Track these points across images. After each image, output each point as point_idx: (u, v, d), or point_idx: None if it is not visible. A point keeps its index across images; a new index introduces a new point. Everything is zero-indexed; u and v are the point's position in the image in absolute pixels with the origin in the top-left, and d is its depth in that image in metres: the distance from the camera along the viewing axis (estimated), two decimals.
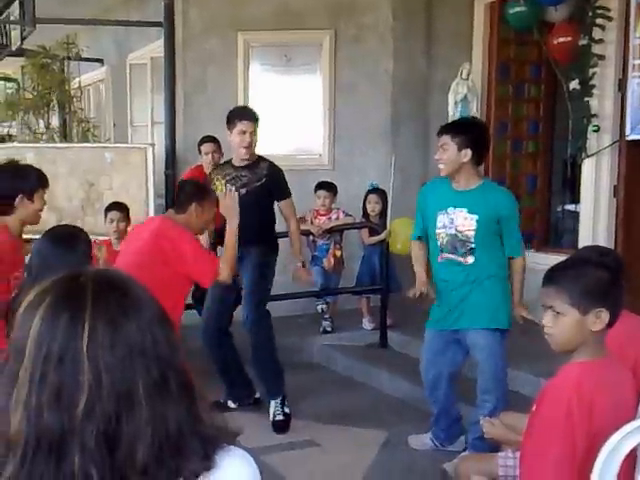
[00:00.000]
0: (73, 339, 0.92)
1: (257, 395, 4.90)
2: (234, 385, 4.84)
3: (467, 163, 3.79)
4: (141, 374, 0.94)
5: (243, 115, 4.61)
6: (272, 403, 4.60)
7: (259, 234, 4.57)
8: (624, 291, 2.19)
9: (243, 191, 4.52)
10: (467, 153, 3.78)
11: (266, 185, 4.61)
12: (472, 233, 3.77)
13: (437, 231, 3.86)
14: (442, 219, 3.84)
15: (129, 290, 1.00)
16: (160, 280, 3.13)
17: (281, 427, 4.53)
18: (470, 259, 3.81)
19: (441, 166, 3.86)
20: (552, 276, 2.19)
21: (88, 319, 0.93)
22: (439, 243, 3.88)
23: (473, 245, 3.78)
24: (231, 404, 4.84)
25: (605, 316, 2.10)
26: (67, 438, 0.89)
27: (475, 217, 3.76)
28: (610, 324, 2.13)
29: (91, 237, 6.25)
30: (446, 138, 3.82)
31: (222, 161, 5.83)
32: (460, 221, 3.79)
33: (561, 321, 2.13)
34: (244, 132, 4.55)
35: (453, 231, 3.81)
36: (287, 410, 4.58)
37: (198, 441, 0.98)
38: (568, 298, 2.11)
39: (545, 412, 2.09)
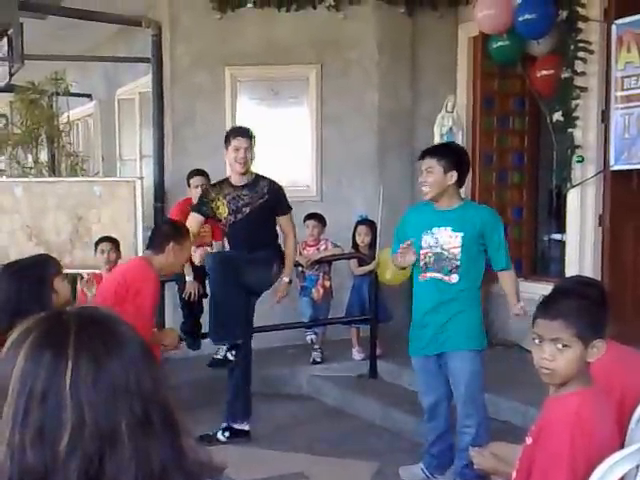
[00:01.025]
0: (56, 377, 0.92)
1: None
2: (236, 402, 4.86)
3: (451, 185, 3.88)
4: (124, 412, 0.94)
5: (237, 132, 4.76)
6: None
7: (266, 249, 4.70)
8: (609, 321, 2.22)
9: (247, 210, 4.68)
10: (453, 175, 3.86)
11: (269, 202, 4.72)
12: (458, 251, 3.82)
13: (422, 251, 3.90)
14: (427, 239, 3.90)
15: (112, 327, 1.00)
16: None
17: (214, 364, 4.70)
18: (454, 277, 3.85)
19: (425, 189, 3.91)
20: (553, 309, 2.16)
21: (71, 357, 0.93)
22: (424, 262, 3.91)
23: (458, 263, 3.83)
24: (221, 437, 4.80)
25: (602, 346, 2.12)
26: (50, 477, 0.89)
27: (460, 234, 3.82)
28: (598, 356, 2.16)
29: (80, 271, 6.31)
30: (432, 161, 3.89)
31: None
32: (445, 239, 3.85)
33: (565, 354, 2.11)
34: (238, 149, 4.66)
35: (439, 249, 3.86)
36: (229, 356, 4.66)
37: (182, 477, 0.98)
38: (575, 331, 2.10)
39: (549, 446, 2.08)
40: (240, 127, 4.94)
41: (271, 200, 4.73)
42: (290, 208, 4.86)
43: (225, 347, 4.64)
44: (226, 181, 4.86)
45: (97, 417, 0.92)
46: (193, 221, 4.86)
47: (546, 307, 2.18)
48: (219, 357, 4.69)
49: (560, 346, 2.10)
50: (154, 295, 4.01)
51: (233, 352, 4.59)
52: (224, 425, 4.84)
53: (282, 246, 4.94)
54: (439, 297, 3.89)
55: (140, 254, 6.37)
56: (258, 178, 4.78)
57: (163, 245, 3.99)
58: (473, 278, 3.88)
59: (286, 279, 4.87)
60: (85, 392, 0.92)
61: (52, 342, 0.95)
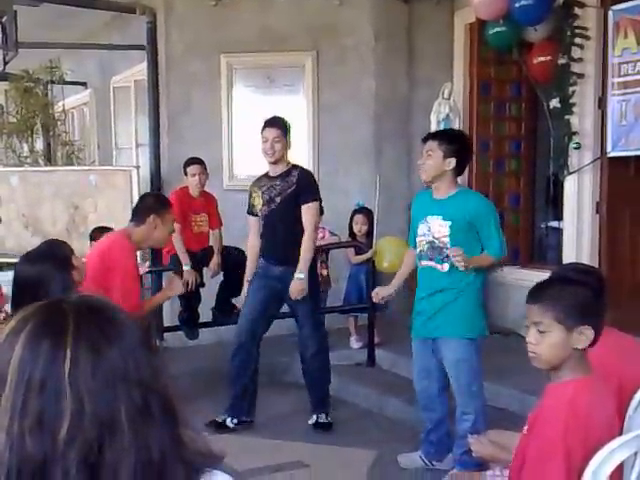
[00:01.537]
0: (55, 365, 0.92)
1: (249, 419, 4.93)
2: (242, 399, 4.85)
3: (449, 171, 3.88)
4: (123, 400, 0.94)
5: (266, 123, 4.72)
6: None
7: (294, 244, 4.62)
8: (606, 308, 2.21)
9: (278, 200, 4.66)
10: (451, 162, 3.87)
11: (296, 191, 4.65)
12: (447, 240, 3.84)
13: (418, 239, 3.97)
14: (422, 227, 3.94)
15: (111, 316, 1.00)
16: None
17: (323, 427, 4.81)
18: (446, 266, 3.87)
19: (422, 171, 3.93)
20: (537, 293, 2.21)
21: (70, 345, 0.93)
22: (419, 250, 3.98)
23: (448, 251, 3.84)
24: (229, 423, 4.83)
25: (589, 333, 2.12)
26: (49, 465, 0.89)
27: (448, 223, 3.84)
28: (593, 342, 2.15)
29: None
30: (433, 144, 3.90)
31: (207, 182, 5.88)
32: (436, 228, 3.88)
33: (546, 338, 2.14)
34: (266, 140, 4.65)
35: (430, 238, 3.90)
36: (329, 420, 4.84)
37: (181, 466, 0.98)
38: (553, 315, 2.13)
39: (543, 433, 2.09)
40: (272, 117, 4.79)
41: (299, 186, 4.64)
42: (315, 199, 4.67)
43: None
44: (265, 174, 4.83)
45: (96, 405, 0.91)
46: (251, 224, 4.90)
47: (530, 292, 2.23)
48: None
49: (541, 330, 2.14)
50: (133, 270, 3.93)
51: None
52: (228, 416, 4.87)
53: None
54: (432, 285, 3.93)
55: None
56: (292, 168, 4.72)
57: (144, 216, 3.96)
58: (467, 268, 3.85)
59: (300, 275, 4.62)
60: (84, 380, 0.92)
61: (50, 331, 0.94)
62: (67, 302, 0.99)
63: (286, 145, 4.71)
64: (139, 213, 4.04)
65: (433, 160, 3.86)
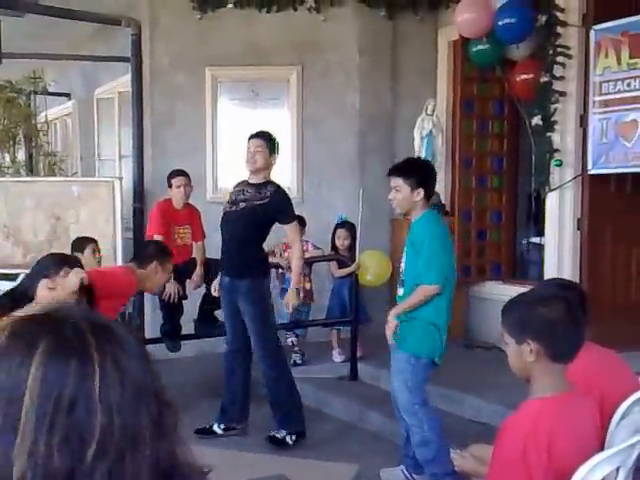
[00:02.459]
0: (86, 383, 0.90)
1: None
2: (233, 406, 4.92)
3: (419, 201, 3.95)
4: (145, 412, 0.94)
5: (252, 135, 4.80)
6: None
7: (246, 254, 4.69)
8: (578, 327, 2.21)
9: (242, 205, 4.72)
10: (420, 192, 3.93)
11: (267, 206, 4.67)
12: (403, 266, 4.01)
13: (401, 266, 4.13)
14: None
15: (116, 328, 1.01)
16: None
17: (273, 441, 4.73)
18: (400, 291, 4.02)
19: (395, 205, 4.06)
20: (503, 308, 2.31)
21: (97, 361, 0.92)
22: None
23: (403, 277, 4.00)
24: (217, 429, 4.91)
25: (535, 348, 2.14)
26: (76, 478, 0.88)
27: (406, 249, 4.00)
28: (558, 359, 2.15)
29: None
30: (398, 180, 3.97)
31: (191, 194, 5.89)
32: (404, 256, 4.05)
33: (508, 349, 2.24)
34: (249, 149, 4.73)
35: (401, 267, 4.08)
36: (289, 441, 4.74)
37: (179, 478, 0.99)
38: (505, 328, 2.23)
39: (502, 449, 2.11)
40: (259, 130, 4.89)
41: (271, 205, 4.67)
42: (294, 218, 4.80)
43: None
44: (246, 180, 4.89)
45: (124, 419, 0.91)
46: None
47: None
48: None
49: (505, 341, 2.25)
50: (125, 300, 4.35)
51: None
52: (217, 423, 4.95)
53: (264, 251, 4.93)
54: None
55: (119, 253, 6.36)
56: (268, 183, 4.77)
57: (147, 263, 4.28)
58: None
59: (296, 288, 4.90)
60: (113, 395, 0.91)
61: (74, 348, 0.92)
62: (74, 317, 0.97)
63: (269, 158, 4.75)
64: (142, 258, 4.37)
65: (402, 195, 3.96)
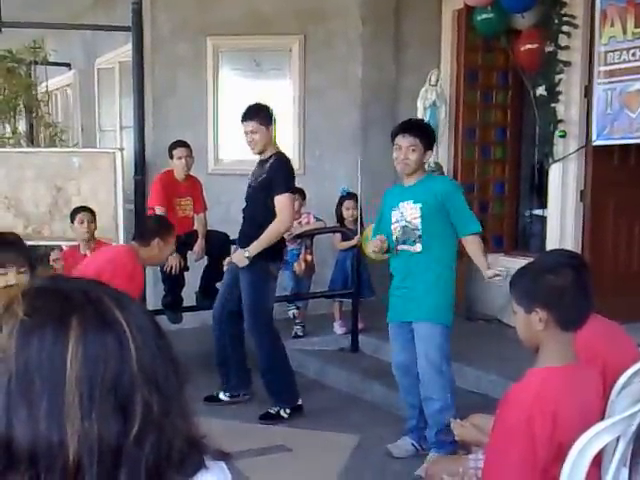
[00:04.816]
0: (123, 356, 0.89)
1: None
2: (230, 376, 4.97)
3: (425, 162, 4.10)
4: (174, 381, 0.94)
5: (243, 116, 4.68)
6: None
7: (256, 230, 4.61)
8: (586, 295, 2.20)
9: (253, 184, 4.71)
10: (429, 153, 4.07)
11: (266, 179, 4.61)
12: (418, 221, 3.95)
13: (392, 226, 4.06)
14: (395, 215, 4.05)
15: (131, 300, 0.97)
16: None
17: (266, 417, 4.72)
18: (418, 247, 3.96)
19: (404, 166, 4.00)
20: (511, 279, 2.29)
21: (129, 334, 0.90)
22: (395, 237, 4.05)
23: (420, 232, 3.95)
24: (223, 397, 4.98)
25: (543, 316, 2.13)
26: (123, 453, 0.88)
27: (419, 205, 3.95)
28: (566, 327, 2.14)
29: (60, 243, 6.25)
30: (415, 140, 3.97)
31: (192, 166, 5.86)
32: (408, 212, 3.99)
33: (517, 319, 2.23)
34: (245, 132, 4.65)
35: (404, 222, 4.00)
36: (284, 414, 4.73)
37: (195, 450, 0.98)
38: (514, 297, 2.22)
39: (507, 416, 2.10)
40: (247, 109, 4.71)
41: (269, 177, 4.59)
42: (285, 189, 4.59)
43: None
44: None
45: (161, 389, 0.91)
46: None
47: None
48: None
49: (514, 311, 2.23)
50: (140, 287, 4.31)
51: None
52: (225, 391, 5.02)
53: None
54: (408, 268, 4.02)
55: (120, 225, 6.34)
56: (273, 155, 4.66)
57: (149, 239, 4.30)
58: (440, 246, 3.95)
59: (245, 253, 4.61)
60: (149, 366, 0.90)
61: (107, 322, 0.90)
62: (90, 289, 0.94)
63: (268, 132, 4.63)
64: (144, 235, 4.39)
65: (417, 155, 3.97)
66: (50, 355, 0.86)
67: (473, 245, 3.98)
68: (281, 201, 4.57)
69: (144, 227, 4.57)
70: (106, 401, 0.87)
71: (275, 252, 4.71)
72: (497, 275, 3.89)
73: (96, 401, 0.86)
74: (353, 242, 5.73)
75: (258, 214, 4.65)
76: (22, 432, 0.85)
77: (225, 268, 4.98)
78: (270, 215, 4.58)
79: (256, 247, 4.57)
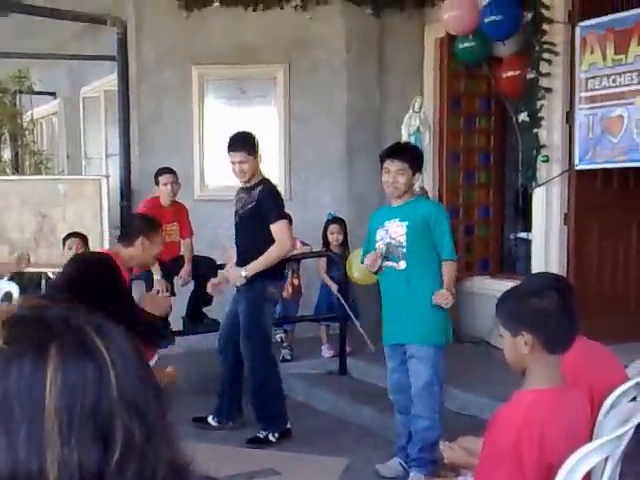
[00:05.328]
0: (103, 383, 0.88)
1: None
2: (224, 404, 4.97)
3: (413, 185, 4.16)
4: (156, 407, 0.93)
5: (229, 146, 4.71)
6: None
7: (252, 258, 4.63)
8: (572, 317, 2.22)
9: (241, 212, 4.72)
10: (417, 176, 4.17)
11: (257, 208, 4.64)
12: (403, 238, 4.01)
13: (377, 245, 4.10)
14: (380, 233, 4.10)
15: (110, 325, 0.97)
16: None
17: (254, 441, 4.69)
18: (402, 264, 4.00)
19: (394, 189, 4.05)
20: (497, 301, 2.30)
21: (109, 360, 0.90)
22: (380, 254, 4.08)
23: (404, 250, 3.99)
24: (212, 421, 4.96)
25: (530, 340, 2.14)
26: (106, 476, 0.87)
27: (405, 223, 4.01)
28: (553, 350, 2.16)
29: (45, 270, 6.24)
30: (403, 164, 4.03)
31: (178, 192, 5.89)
32: (393, 229, 4.05)
33: (503, 342, 2.24)
34: (233, 162, 4.67)
35: (388, 239, 4.05)
36: (272, 438, 4.72)
37: (179, 477, 0.98)
38: (500, 321, 2.23)
39: (494, 439, 2.11)
40: (233, 138, 4.75)
41: (259, 206, 4.62)
42: (280, 217, 4.65)
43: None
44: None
45: (142, 415, 0.90)
46: None
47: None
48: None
49: (500, 334, 2.24)
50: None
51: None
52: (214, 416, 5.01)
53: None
54: (394, 286, 4.05)
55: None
56: (259, 183, 4.69)
57: (133, 238, 3.97)
58: (424, 264, 3.99)
59: (242, 272, 4.64)
60: (129, 392, 0.90)
61: (86, 349, 0.89)
62: (69, 315, 0.93)
63: (255, 161, 4.70)
64: (128, 234, 4.07)
65: (405, 178, 4.03)
66: (29, 383, 0.86)
67: (445, 269, 4.05)
68: (278, 228, 4.63)
69: (128, 226, 4.30)
70: (85, 428, 0.86)
71: (274, 272, 4.74)
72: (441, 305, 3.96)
73: (75, 428, 0.86)
74: (334, 289, 5.81)
75: (254, 242, 4.65)
76: (1, 460, 0.85)
77: (209, 290, 5.02)
78: (265, 242, 4.62)
79: (254, 268, 4.61)
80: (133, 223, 4.26)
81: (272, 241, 4.63)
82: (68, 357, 0.88)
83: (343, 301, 5.79)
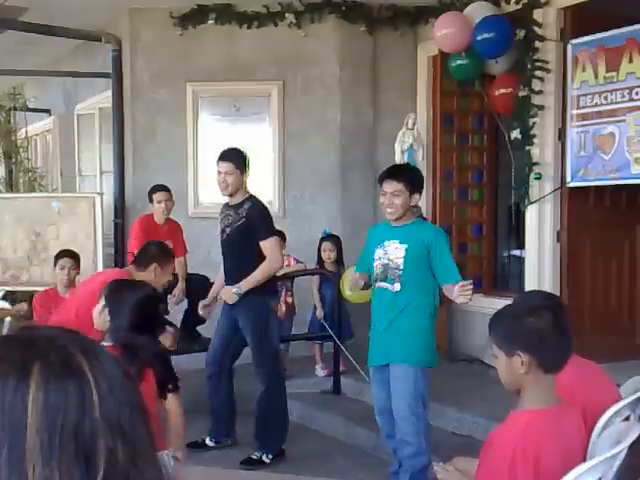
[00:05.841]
0: (86, 403, 0.88)
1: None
2: (220, 422, 4.94)
3: (412, 206, 4.06)
4: (141, 428, 0.93)
5: (220, 156, 4.72)
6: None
7: (243, 274, 4.61)
8: (566, 337, 2.22)
9: (228, 230, 4.67)
10: (416, 197, 4.05)
11: (246, 226, 4.61)
12: (401, 260, 3.95)
13: (374, 264, 4.06)
14: (378, 252, 4.05)
15: (96, 345, 0.99)
16: None
17: (248, 462, 4.65)
18: (397, 286, 3.95)
19: (391, 210, 4.01)
20: (490, 322, 2.29)
21: (92, 381, 0.90)
22: (375, 274, 4.06)
23: (401, 273, 3.94)
24: (210, 442, 4.93)
25: (526, 360, 2.14)
26: None
27: (405, 246, 3.96)
28: (549, 370, 2.16)
29: (37, 289, 6.22)
30: (399, 186, 3.98)
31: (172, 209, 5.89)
32: (392, 250, 4.00)
33: (497, 363, 2.23)
34: (219, 173, 4.66)
35: (386, 260, 4.01)
36: (266, 460, 4.67)
37: None
38: (495, 341, 2.22)
39: (490, 460, 2.11)
40: (225, 150, 4.78)
41: (248, 223, 4.60)
42: (271, 234, 4.66)
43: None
44: (227, 202, 4.82)
45: (125, 436, 0.90)
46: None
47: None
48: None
49: (494, 354, 2.23)
50: None
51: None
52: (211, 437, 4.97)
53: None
54: (385, 307, 4.01)
55: (100, 270, 6.31)
56: (246, 200, 4.68)
57: (147, 264, 4.22)
58: (418, 287, 3.95)
59: (233, 289, 4.64)
60: (113, 413, 0.90)
61: (69, 369, 0.90)
62: (53, 336, 0.94)
63: (241, 176, 4.68)
64: (142, 260, 4.31)
65: (402, 200, 3.98)
66: (12, 402, 0.86)
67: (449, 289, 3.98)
68: (269, 244, 4.62)
69: (144, 251, 4.48)
70: (67, 448, 0.86)
71: (270, 287, 4.75)
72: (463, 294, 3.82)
73: (56, 448, 0.85)
74: (319, 315, 5.81)
75: (245, 261, 4.63)
76: None
77: (200, 312, 4.98)
78: (255, 259, 4.61)
79: (247, 284, 4.59)
80: (150, 249, 4.43)
81: (262, 258, 4.61)
82: (51, 376, 0.88)
83: (328, 327, 5.79)
